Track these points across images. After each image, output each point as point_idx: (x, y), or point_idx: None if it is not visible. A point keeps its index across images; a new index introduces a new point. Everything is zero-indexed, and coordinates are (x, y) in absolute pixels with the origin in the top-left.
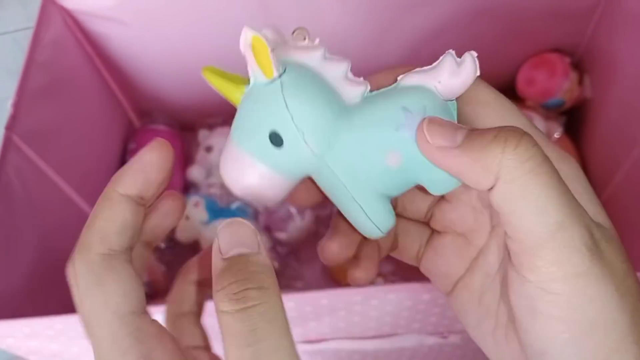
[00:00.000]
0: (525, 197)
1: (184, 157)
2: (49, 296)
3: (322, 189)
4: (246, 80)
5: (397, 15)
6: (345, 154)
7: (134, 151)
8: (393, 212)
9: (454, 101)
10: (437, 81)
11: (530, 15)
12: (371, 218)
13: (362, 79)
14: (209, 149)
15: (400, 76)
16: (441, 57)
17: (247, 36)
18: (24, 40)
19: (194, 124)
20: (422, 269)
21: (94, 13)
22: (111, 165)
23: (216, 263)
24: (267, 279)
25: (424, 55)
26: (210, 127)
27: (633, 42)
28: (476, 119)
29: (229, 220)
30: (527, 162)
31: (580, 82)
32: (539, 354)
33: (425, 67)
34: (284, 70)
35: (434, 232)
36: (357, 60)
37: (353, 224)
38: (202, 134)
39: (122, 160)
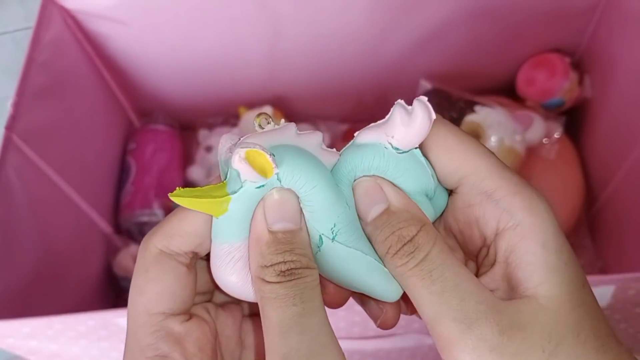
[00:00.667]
0: (408, 291)
1: (184, 157)
2: (49, 296)
3: (328, 273)
4: (221, 188)
5: (397, 16)
6: (345, 223)
7: (134, 151)
8: None
9: (417, 148)
10: (390, 136)
11: (530, 16)
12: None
13: (334, 149)
14: (209, 149)
15: (357, 133)
16: (392, 109)
17: (240, 154)
18: (24, 40)
19: (194, 123)
20: None
21: (93, 13)
22: (111, 165)
23: (261, 231)
24: (309, 260)
25: (424, 56)
26: (210, 127)
27: (633, 42)
28: (442, 165)
29: (278, 189)
30: (400, 267)
31: (581, 82)
32: None
33: (379, 121)
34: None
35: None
36: (358, 60)
37: (372, 293)
38: (202, 133)
39: (122, 160)
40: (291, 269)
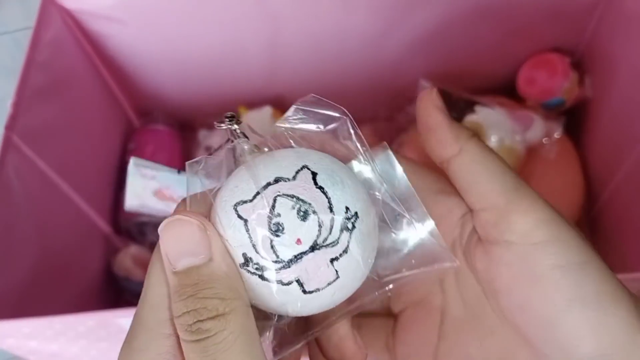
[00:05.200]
0: (485, 167)
1: (184, 157)
2: (49, 296)
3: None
4: None
5: (397, 16)
6: None
7: (134, 151)
8: None
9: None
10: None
11: (530, 15)
12: None
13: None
14: (208, 149)
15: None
16: None
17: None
18: (24, 39)
19: (194, 123)
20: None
21: (93, 13)
22: (111, 165)
23: (167, 273)
24: (221, 302)
25: (424, 55)
26: (210, 126)
27: (633, 41)
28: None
29: (171, 218)
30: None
31: (581, 81)
32: (544, 324)
33: None
34: None
35: (396, 318)
36: (357, 60)
37: None
38: (202, 133)
39: (122, 160)
40: (197, 322)
